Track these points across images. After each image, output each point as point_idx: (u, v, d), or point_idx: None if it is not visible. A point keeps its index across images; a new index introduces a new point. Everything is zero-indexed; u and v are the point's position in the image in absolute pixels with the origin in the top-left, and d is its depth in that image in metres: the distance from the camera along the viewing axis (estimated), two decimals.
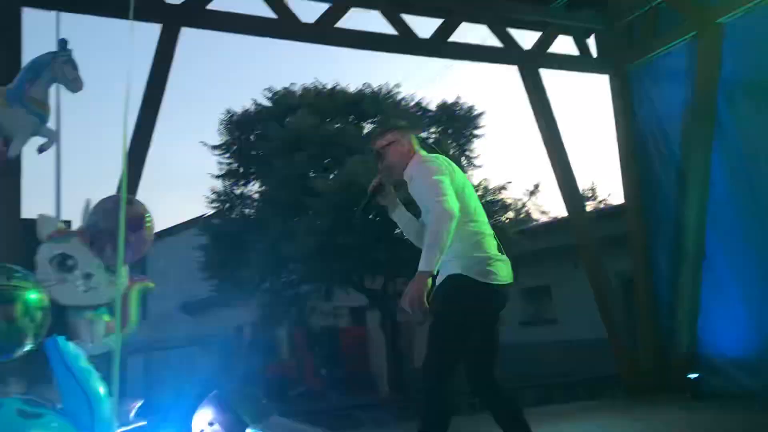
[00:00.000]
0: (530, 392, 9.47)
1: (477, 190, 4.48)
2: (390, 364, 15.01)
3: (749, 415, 5.64)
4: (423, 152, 3.37)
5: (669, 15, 7.48)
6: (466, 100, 16.21)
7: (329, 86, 14.79)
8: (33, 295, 2.82)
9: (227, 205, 15.28)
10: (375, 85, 14.64)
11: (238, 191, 15.29)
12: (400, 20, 7.04)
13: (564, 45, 7.98)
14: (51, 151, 3.61)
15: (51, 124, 3.57)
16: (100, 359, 2.92)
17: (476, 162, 14.45)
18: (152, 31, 6.05)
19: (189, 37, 6.26)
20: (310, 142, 13.19)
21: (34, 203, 5.03)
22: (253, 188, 15.22)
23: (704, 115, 7.15)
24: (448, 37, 7.26)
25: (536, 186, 15.69)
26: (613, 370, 8.00)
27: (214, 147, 15.01)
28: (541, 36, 7.71)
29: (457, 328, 3.10)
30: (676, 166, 7.60)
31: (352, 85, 15.10)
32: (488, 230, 3.26)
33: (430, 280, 3.00)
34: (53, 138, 3.58)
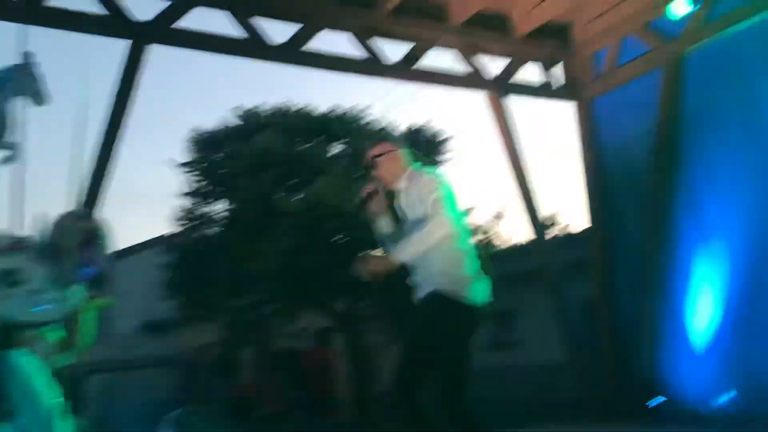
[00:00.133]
0: (493, 416, 9.46)
1: None
2: (354, 386, 14.90)
3: None
4: (422, 166, 3.46)
5: (632, 45, 7.65)
6: (435, 125, 16.36)
7: (298, 107, 14.80)
8: None
9: (192, 224, 15.13)
10: (344, 106, 14.71)
11: (203, 210, 15.16)
12: (369, 44, 7.09)
13: (531, 73, 8.12)
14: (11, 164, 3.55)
15: (15, 136, 3.52)
16: (57, 377, 2.86)
17: None
18: (121, 47, 6.02)
19: (158, 54, 6.23)
20: (278, 162, 13.16)
21: None
22: (219, 207, 15.09)
23: (667, 144, 7.31)
24: (417, 62, 7.33)
25: (502, 211, 15.84)
26: (574, 394, 8.05)
27: (181, 165, 14.89)
28: (508, 64, 7.83)
29: (434, 344, 3.14)
30: (638, 194, 7.74)
31: (321, 106, 15.13)
32: (471, 250, 3.33)
33: (382, 272, 3.21)
34: (17, 151, 3.53)
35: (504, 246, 16.32)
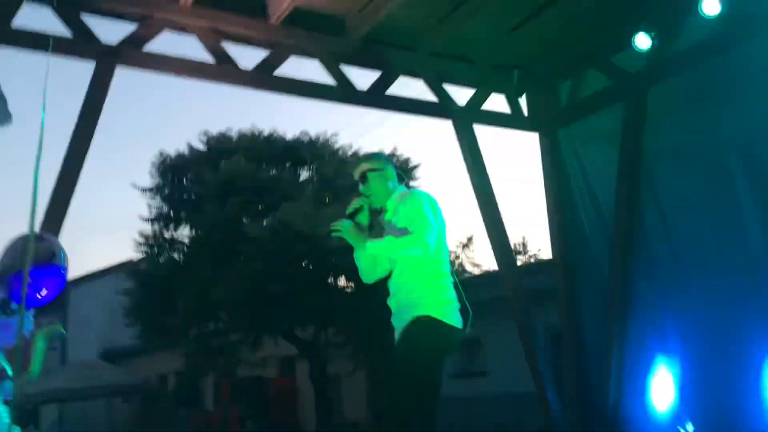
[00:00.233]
0: None
1: None
2: (319, 415, 14.73)
3: None
4: (415, 188, 3.56)
5: (596, 77, 7.81)
6: (403, 152, 16.46)
7: (266, 132, 14.80)
8: None
9: (156, 249, 14.94)
10: (313, 133, 14.75)
11: (167, 235, 14.99)
12: (338, 71, 7.13)
13: (497, 102, 8.22)
14: None
15: None
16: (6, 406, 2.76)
17: None
18: (88, 68, 5.95)
19: (124, 76, 6.19)
20: (245, 188, 13.11)
21: None
22: (184, 233, 14.95)
23: (630, 175, 7.43)
24: (386, 89, 7.38)
25: (469, 239, 15.94)
26: (541, 425, 8.05)
27: (145, 190, 14.72)
28: (474, 93, 7.92)
29: (426, 368, 3.14)
30: (602, 223, 7.85)
31: (290, 132, 15.15)
32: (453, 276, 3.38)
33: (351, 240, 3.28)
34: None
35: (471, 273, 16.38)
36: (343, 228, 3.30)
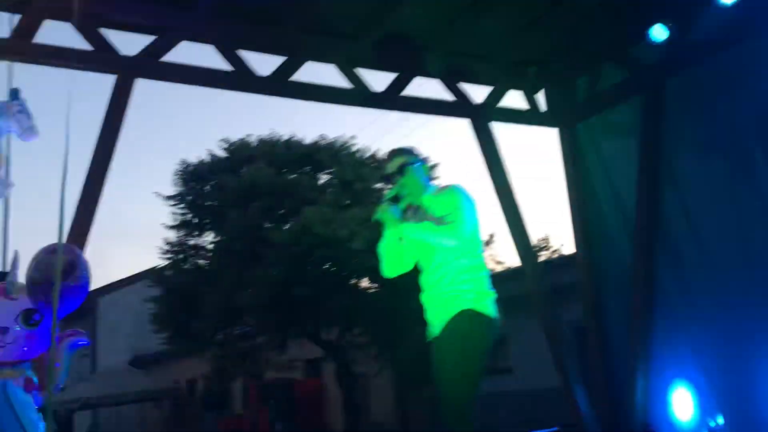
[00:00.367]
0: None
1: None
2: (346, 416, 14.79)
3: None
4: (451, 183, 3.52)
5: (613, 70, 7.77)
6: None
7: (285, 138, 14.89)
8: None
9: (180, 256, 15.10)
10: (330, 136, 14.82)
11: (191, 242, 15.15)
12: (354, 74, 7.16)
13: (515, 99, 8.21)
14: None
15: (2, 172, 3.51)
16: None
17: None
18: (108, 81, 6.05)
19: (145, 87, 6.27)
20: (266, 193, 13.21)
21: None
22: (207, 239, 15.11)
23: (650, 168, 7.38)
24: (401, 90, 7.40)
25: (491, 236, 15.90)
26: (567, 420, 8.02)
27: (168, 198, 14.89)
28: (491, 91, 7.91)
29: (477, 362, 3.15)
30: (625, 217, 7.80)
31: (308, 137, 15.23)
32: (486, 267, 3.41)
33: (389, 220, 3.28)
34: (6, 187, 3.52)
35: (493, 270, 16.33)
36: (384, 210, 3.28)
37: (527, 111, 8.24)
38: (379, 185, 14.02)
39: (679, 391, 6.96)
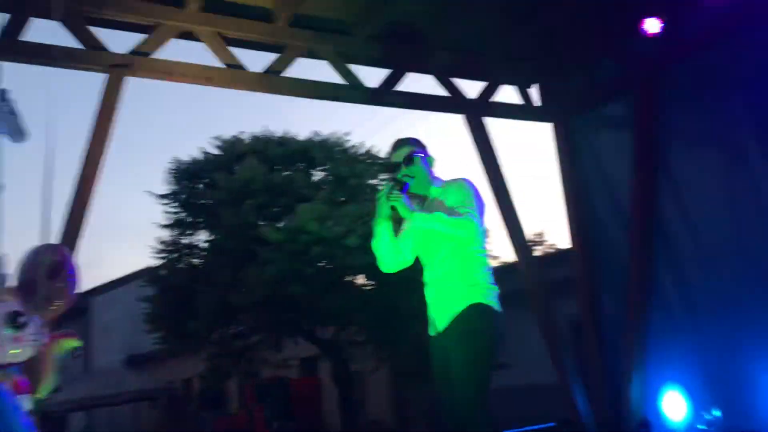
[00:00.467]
0: None
1: None
2: (342, 414, 14.76)
3: None
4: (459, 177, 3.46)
5: (607, 64, 7.75)
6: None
7: (278, 134, 14.81)
8: None
9: (174, 255, 15.01)
10: (324, 133, 14.75)
11: (185, 241, 15.06)
12: (347, 70, 7.12)
13: (509, 94, 8.18)
14: None
15: None
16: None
17: None
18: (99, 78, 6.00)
19: (135, 85, 6.22)
20: (259, 191, 13.13)
21: None
22: (201, 238, 15.01)
23: (645, 162, 7.37)
24: (395, 86, 7.37)
25: (486, 231, 15.85)
26: (564, 415, 8.01)
27: (161, 196, 14.80)
28: (485, 86, 7.89)
29: (491, 355, 3.13)
30: (620, 211, 7.79)
31: (302, 133, 15.14)
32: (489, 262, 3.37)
33: (401, 207, 3.19)
34: None
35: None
36: (396, 198, 3.21)
37: (521, 106, 8.22)
38: (374, 181, 13.98)
39: (675, 386, 6.95)
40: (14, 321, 2.83)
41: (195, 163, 14.84)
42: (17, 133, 3.47)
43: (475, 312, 3.12)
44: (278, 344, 14.63)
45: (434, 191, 3.36)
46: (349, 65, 7.15)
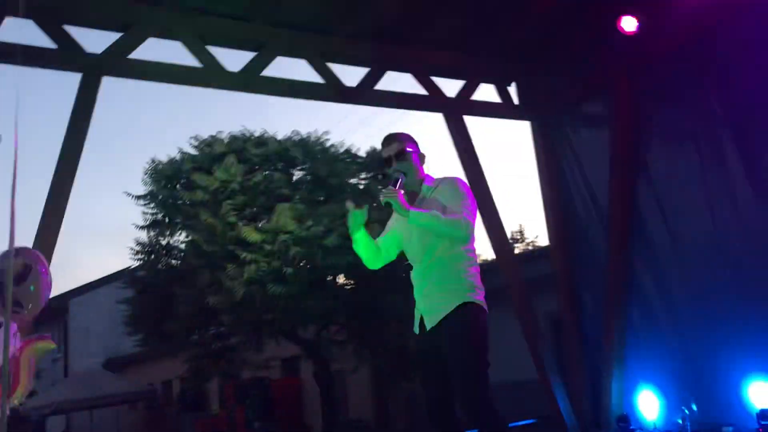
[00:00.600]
0: None
1: None
2: (324, 413, 14.73)
3: None
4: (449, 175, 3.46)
5: (585, 62, 7.79)
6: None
7: (257, 134, 14.72)
8: None
9: (152, 256, 14.88)
10: (303, 132, 14.69)
11: (163, 242, 14.93)
12: (326, 69, 7.10)
13: (488, 92, 8.21)
14: None
15: None
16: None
17: None
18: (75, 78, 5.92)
19: (112, 84, 6.15)
20: (238, 191, 13.05)
21: None
22: (180, 238, 14.88)
23: (622, 158, 7.42)
24: (374, 85, 7.36)
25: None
26: (545, 412, 8.05)
27: (139, 197, 14.65)
28: (464, 84, 7.90)
29: (485, 352, 3.14)
30: (598, 208, 7.84)
31: (280, 133, 15.06)
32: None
33: (397, 205, 3.11)
34: None
35: None
36: (388, 190, 3.17)
37: (500, 104, 8.24)
38: (353, 180, 13.95)
39: (649, 385, 7.03)
40: None
41: (173, 163, 14.70)
42: None
43: (469, 312, 3.14)
44: (259, 345, 14.56)
45: (426, 189, 3.34)
46: (328, 64, 7.13)
